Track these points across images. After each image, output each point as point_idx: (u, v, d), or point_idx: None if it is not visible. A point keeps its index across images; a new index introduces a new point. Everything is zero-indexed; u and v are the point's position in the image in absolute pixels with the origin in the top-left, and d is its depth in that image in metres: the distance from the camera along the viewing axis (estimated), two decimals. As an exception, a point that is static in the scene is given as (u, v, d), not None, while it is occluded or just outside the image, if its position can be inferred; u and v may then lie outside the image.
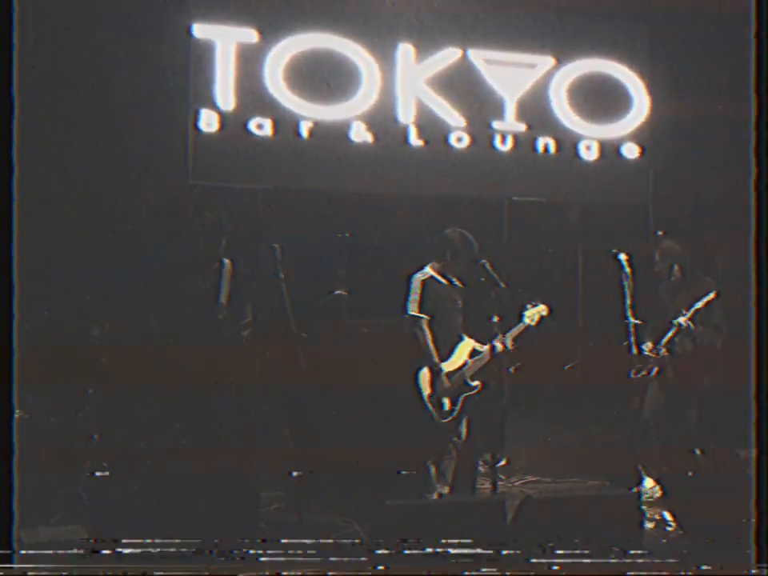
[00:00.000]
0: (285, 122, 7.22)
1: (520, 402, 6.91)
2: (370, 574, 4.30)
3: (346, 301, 6.64)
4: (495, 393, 6.04)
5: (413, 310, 5.91)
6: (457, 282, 6.09)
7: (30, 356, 4.14)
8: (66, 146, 6.48)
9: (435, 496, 5.93)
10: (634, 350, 6.27)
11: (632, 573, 4.49)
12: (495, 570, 4.35)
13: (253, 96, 7.16)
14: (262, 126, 7.18)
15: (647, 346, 6.58)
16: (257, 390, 6.04)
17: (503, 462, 6.71)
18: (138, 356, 5.63)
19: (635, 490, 6.07)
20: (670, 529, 5.82)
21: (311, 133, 7.27)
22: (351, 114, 7.38)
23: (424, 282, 5.96)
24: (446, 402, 5.88)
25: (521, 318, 5.96)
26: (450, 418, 5.90)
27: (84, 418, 5.65)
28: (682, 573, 4.45)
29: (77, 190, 6.51)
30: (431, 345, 5.86)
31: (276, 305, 5.29)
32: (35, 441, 5.07)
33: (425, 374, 5.86)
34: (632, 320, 6.20)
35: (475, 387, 5.95)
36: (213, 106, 7.06)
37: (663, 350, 6.54)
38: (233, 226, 6.06)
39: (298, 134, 7.25)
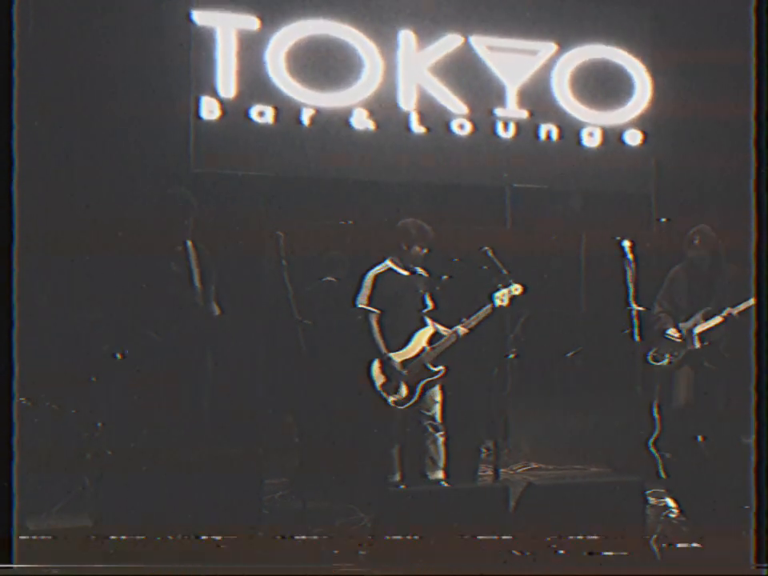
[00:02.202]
0: (286, 110, 7.20)
1: (523, 390, 6.93)
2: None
3: (336, 288, 6.60)
4: (498, 381, 6.07)
5: (362, 303, 5.99)
6: (420, 270, 6.14)
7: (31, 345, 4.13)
8: (66, 135, 6.46)
9: (431, 482, 5.99)
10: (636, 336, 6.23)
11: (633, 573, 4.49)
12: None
13: (254, 83, 7.13)
14: (263, 114, 7.16)
15: (673, 331, 6.59)
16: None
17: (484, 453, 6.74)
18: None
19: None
20: (673, 516, 5.83)
21: (313, 120, 7.25)
22: (353, 101, 7.35)
23: (378, 276, 6.03)
24: (403, 388, 5.93)
25: (491, 299, 5.94)
26: (407, 405, 5.95)
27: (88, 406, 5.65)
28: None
29: (78, 179, 6.50)
30: (378, 337, 5.94)
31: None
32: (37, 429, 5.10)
33: (377, 365, 5.94)
34: (635, 307, 6.19)
35: (438, 372, 6.00)
36: (214, 93, 7.03)
37: (696, 338, 6.50)
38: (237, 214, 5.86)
39: (300, 122, 7.23)
